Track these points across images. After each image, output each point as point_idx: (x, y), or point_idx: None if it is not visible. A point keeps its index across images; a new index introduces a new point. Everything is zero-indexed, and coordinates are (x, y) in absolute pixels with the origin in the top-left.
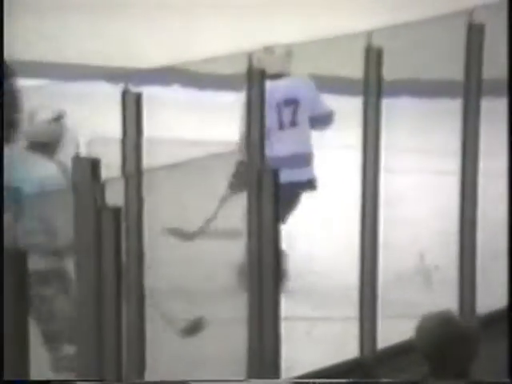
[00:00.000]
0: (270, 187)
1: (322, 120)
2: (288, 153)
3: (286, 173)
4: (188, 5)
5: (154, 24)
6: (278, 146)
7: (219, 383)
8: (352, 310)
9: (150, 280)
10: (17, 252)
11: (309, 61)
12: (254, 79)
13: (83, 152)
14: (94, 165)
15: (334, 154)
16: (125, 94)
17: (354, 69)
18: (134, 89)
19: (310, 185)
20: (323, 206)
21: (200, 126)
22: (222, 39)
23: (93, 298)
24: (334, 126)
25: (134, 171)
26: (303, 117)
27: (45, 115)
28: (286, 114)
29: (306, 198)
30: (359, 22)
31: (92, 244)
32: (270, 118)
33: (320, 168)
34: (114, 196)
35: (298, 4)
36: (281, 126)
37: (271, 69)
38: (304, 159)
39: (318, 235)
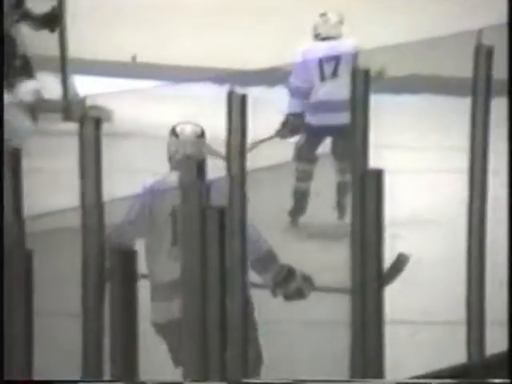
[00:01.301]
0: (373, 188)
1: None
2: (327, 99)
3: (325, 116)
4: (292, 6)
5: (259, 25)
6: (319, 94)
7: (323, 383)
8: (457, 314)
9: (254, 280)
10: (126, 251)
11: (412, 60)
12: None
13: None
14: (200, 164)
15: (438, 155)
16: (230, 96)
17: (458, 68)
18: (239, 90)
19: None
20: (428, 207)
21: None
22: None
23: (197, 298)
24: (437, 126)
25: (238, 171)
26: (344, 70)
27: None
28: (327, 68)
29: (411, 197)
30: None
31: (197, 243)
32: (313, 72)
33: (425, 168)
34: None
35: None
36: (322, 79)
37: (327, 33)
38: (341, 105)
39: (423, 239)
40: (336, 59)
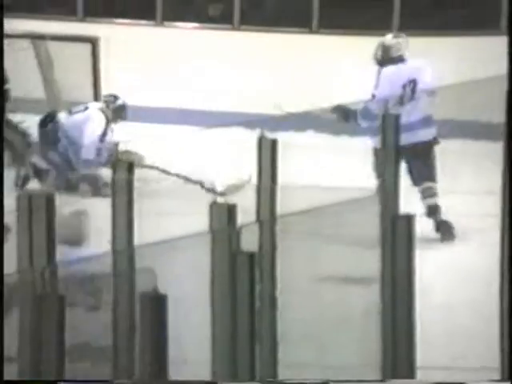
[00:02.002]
0: (404, 234)
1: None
2: (406, 121)
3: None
4: (321, 51)
5: (289, 72)
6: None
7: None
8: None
9: (283, 324)
10: (156, 296)
11: (450, 103)
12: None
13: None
14: (231, 210)
15: (475, 199)
16: (261, 140)
17: (493, 113)
18: (269, 134)
19: (435, 141)
20: (462, 253)
21: (334, 172)
22: (357, 86)
23: (228, 340)
24: (474, 170)
25: (268, 216)
26: (420, 92)
27: None
28: (407, 92)
29: (444, 245)
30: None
31: (227, 287)
32: (394, 96)
33: (461, 212)
34: (249, 241)
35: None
36: (401, 103)
37: (395, 52)
38: (418, 125)
39: (456, 284)
40: (414, 82)
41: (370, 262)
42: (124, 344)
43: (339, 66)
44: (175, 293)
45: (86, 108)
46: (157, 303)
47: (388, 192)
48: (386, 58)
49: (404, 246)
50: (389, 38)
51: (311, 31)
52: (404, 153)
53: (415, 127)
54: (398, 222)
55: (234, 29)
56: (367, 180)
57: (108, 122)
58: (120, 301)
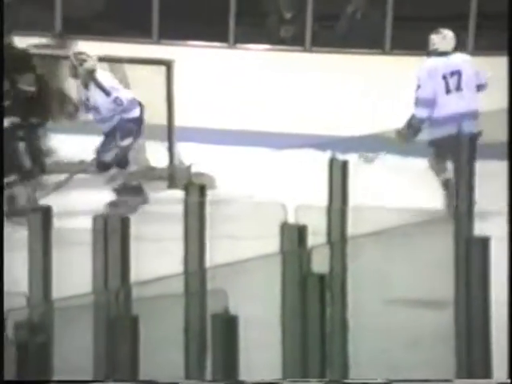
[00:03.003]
0: (477, 257)
1: (480, 87)
2: (454, 112)
3: (452, 127)
4: (393, 73)
5: (361, 93)
6: (446, 108)
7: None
8: None
9: (353, 347)
10: (228, 318)
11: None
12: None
13: (291, 219)
14: (301, 231)
15: None
16: (331, 162)
17: None
18: (340, 156)
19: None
20: None
21: (404, 193)
22: None
23: (298, 363)
24: None
25: (339, 238)
26: (466, 84)
27: None
28: (452, 82)
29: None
30: None
31: (298, 309)
32: (439, 86)
33: None
34: (320, 262)
35: None
36: (447, 92)
37: (443, 47)
38: (467, 116)
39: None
40: (458, 74)
41: (443, 284)
42: (195, 364)
43: (412, 86)
44: (246, 314)
45: None
46: (228, 324)
47: (462, 214)
48: (435, 52)
49: (479, 269)
50: (434, 34)
51: (384, 52)
52: (454, 141)
53: (465, 118)
54: (473, 245)
55: (305, 50)
56: (438, 201)
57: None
58: (191, 321)
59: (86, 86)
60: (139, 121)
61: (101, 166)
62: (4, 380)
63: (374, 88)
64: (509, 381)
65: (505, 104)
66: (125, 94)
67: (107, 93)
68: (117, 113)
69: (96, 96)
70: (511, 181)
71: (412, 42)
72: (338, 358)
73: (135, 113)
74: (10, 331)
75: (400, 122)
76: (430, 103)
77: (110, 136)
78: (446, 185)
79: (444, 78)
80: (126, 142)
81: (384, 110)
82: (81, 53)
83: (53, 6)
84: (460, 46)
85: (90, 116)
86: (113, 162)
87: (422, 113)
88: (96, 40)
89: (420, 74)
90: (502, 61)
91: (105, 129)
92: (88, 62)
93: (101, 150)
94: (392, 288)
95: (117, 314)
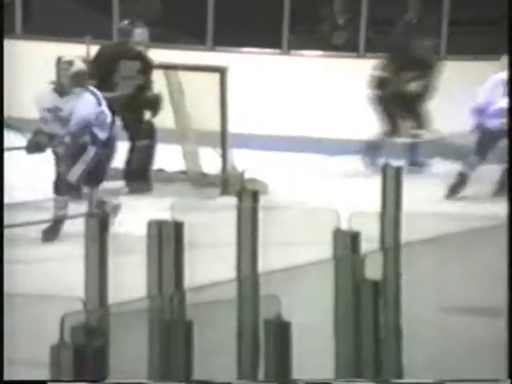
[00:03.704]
0: None
1: None
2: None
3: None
4: (450, 78)
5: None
6: (499, 103)
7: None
8: None
9: (406, 354)
10: (281, 322)
11: None
12: None
13: (344, 225)
14: (354, 238)
15: None
16: (385, 168)
17: None
18: (393, 162)
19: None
20: None
21: (460, 200)
22: None
23: (352, 369)
24: None
25: (392, 244)
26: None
27: None
28: (502, 91)
29: None
30: None
31: (351, 315)
32: (497, 95)
33: None
34: (373, 269)
35: None
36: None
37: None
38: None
39: None
40: (503, 85)
41: (498, 292)
42: (248, 369)
43: (466, 92)
44: (299, 320)
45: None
46: (281, 330)
47: None
48: None
49: None
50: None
51: (440, 57)
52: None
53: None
54: None
55: (359, 56)
56: (494, 208)
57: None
58: (244, 327)
59: (61, 94)
60: (113, 139)
61: (63, 187)
62: (4, 380)
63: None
64: (509, 381)
65: None
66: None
67: (99, 102)
68: (92, 127)
69: (78, 106)
70: (511, 182)
71: (468, 46)
72: (392, 364)
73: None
74: (66, 335)
75: (459, 127)
76: (483, 110)
77: (74, 154)
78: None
79: (503, 86)
80: (94, 155)
81: (442, 113)
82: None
83: (110, 14)
84: None
85: (56, 128)
86: (80, 180)
87: (477, 119)
88: (151, 47)
89: (486, 86)
90: None
91: (66, 148)
92: (75, 64)
93: (64, 171)
94: (447, 295)
95: (171, 319)
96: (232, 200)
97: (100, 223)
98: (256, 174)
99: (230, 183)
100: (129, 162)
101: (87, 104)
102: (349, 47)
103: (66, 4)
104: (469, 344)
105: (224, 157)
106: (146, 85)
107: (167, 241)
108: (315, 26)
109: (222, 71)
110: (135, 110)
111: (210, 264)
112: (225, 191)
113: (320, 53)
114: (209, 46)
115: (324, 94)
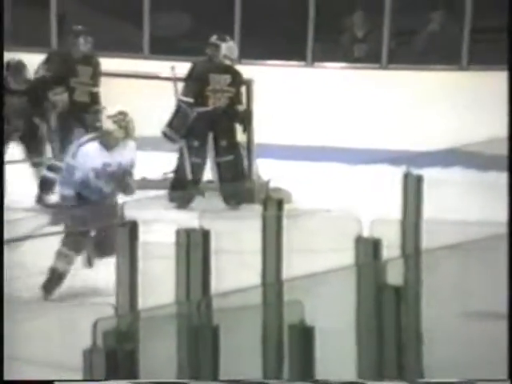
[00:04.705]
0: None
1: None
2: None
3: None
4: (469, 90)
5: (437, 108)
6: None
7: None
8: None
9: (428, 357)
10: (305, 328)
11: None
12: None
13: (366, 232)
14: (376, 245)
15: None
16: (406, 176)
17: None
18: (415, 171)
19: None
20: None
21: (482, 207)
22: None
23: (374, 374)
24: None
25: (413, 251)
26: None
27: None
28: None
29: None
30: None
31: (373, 320)
32: None
33: None
34: (395, 275)
35: None
36: None
37: None
38: None
39: None
40: None
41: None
42: (273, 374)
43: (487, 101)
44: (322, 325)
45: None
46: (304, 335)
47: None
48: None
49: None
50: None
51: (461, 68)
52: None
53: None
54: None
55: (381, 67)
56: None
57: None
58: (269, 331)
59: (109, 147)
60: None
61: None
62: (4, 380)
63: (450, 103)
64: (509, 381)
65: None
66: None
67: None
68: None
69: (125, 156)
70: (511, 182)
71: (490, 56)
72: (413, 369)
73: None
74: (99, 339)
75: (476, 138)
76: None
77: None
78: None
79: None
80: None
81: (461, 125)
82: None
83: (140, 26)
84: None
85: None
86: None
87: None
88: (179, 60)
89: None
90: None
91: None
92: (128, 116)
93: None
94: (467, 301)
95: (199, 324)
96: (258, 208)
97: (130, 231)
98: (280, 183)
99: (255, 192)
100: (220, 177)
101: (132, 152)
102: (372, 59)
103: (96, 18)
104: (489, 349)
105: (250, 166)
106: (237, 98)
107: (195, 248)
108: (338, 38)
109: (247, 83)
110: (227, 123)
111: (236, 270)
112: (251, 199)
113: (343, 64)
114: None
115: (347, 104)
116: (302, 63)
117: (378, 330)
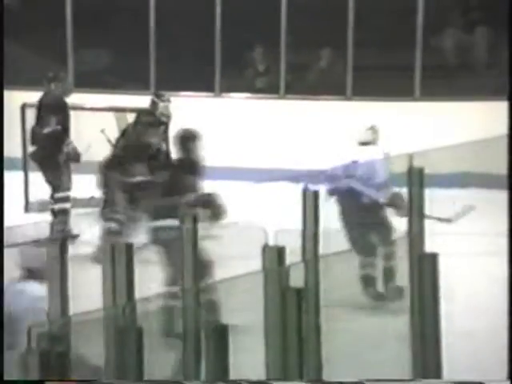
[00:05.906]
0: (430, 270)
1: None
2: None
3: None
4: (355, 117)
5: (327, 134)
6: None
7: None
8: None
9: (326, 349)
10: None
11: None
12: None
13: (270, 241)
14: (280, 252)
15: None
16: (304, 192)
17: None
18: (311, 187)
19: None
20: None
21: None
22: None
23: (278, 365)
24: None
25: (312, 257)
26: None
27: None
28: None
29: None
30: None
31: (278, 319)
32: None
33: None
34: (297, 278)
35: None
36: None
37: None
38: None
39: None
40: None
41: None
42: (191, 368)
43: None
44: (234, 323)
45: None
46: (219, 332)
47: None
48: None
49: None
50: None
51: (346, 98)
52: None
53: None
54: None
55: (280, 97)
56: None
57: None
58: (188, 331)
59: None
60: None
61: None
62: (4, 380)
63: (339, 129)
64: (509, 381)
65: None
66: None
67: None
68: None
69: None
70: (511, 183)
71: (370, 89)
72: (313, 359)
73: None
74: (33, 342)
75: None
76: None
77: None
78: None
79: None
80: None
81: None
82: None
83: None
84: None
85: None
86: None
87: None
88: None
89: None
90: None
91: None
92: None
93: None
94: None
95: (124, 326)
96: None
97: (60, 245)
98: None
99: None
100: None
101: None
102: (271, 90)
103: (104, 57)
104: (381, 337)
105: None
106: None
107: (119, 259)
108: (242, 72)
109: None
110: None
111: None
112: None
113: (247, 95)
114: (151, 90)
115: (251, 130)
116: (211, 94)
117: (283, 325)
